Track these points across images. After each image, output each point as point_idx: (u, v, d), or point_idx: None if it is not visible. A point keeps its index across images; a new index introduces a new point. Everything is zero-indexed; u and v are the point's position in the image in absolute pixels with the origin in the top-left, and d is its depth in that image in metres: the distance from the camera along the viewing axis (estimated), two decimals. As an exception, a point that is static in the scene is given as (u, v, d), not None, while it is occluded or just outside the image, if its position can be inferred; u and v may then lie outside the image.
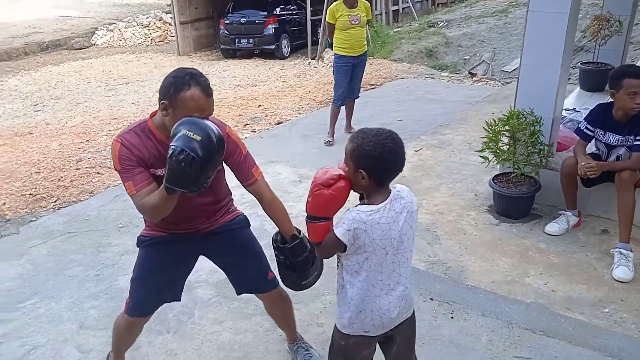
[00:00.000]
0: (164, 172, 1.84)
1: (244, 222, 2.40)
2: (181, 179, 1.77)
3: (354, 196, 1.81)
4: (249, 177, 2.18)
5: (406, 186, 1.86)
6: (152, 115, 2.06)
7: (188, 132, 1.74)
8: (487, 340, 2.73)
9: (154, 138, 2.02)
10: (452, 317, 2.91)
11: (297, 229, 2.24)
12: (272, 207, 2.23)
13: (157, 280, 2.26)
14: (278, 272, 2.27)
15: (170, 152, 1.73)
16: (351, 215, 1.71)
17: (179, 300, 2.41)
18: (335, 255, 1.84)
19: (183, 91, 1.88)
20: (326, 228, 1.76)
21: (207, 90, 1.92)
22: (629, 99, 3.20)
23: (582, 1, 8.87)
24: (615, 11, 5.69)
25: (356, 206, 1.76)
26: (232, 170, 2.20)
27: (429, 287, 3.16)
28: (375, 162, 1.69)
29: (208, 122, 1.81)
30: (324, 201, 1.72)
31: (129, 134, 2.01)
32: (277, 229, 2.23)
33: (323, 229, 1.76)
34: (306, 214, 1.78)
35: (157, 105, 1.98)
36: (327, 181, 1.71)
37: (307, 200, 1.76)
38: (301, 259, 2.20)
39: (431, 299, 3.06)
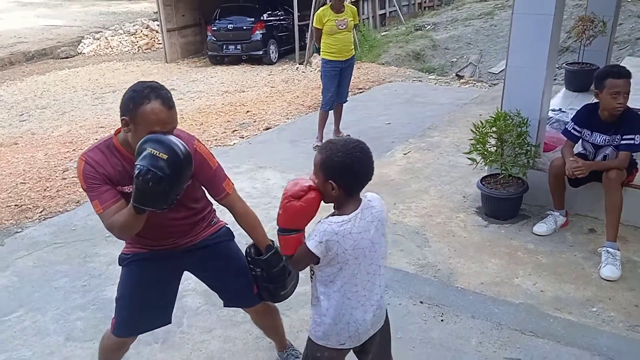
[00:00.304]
0: (131, 188, 1.80)
1: (227, 234, 2.34)
2: (149, 198, 1.75)
3: (325, 207, 1.79)
4: (220, 191, 2.14)
5: (377, 194, 1.86)
6: (117, 132, 1.99)
7: (153, 150, 1.71)
8: (477, 342, 2.72)
9: (119, 155, 1.96)
10: (442, 320, 2.90)
11: (271, 240, 2.21)
12: (245, 218, 2.20)
13: (140, 298, 2.20)
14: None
15: (136, 171, 1.70)
16: (322, 227, 1.70)
17: (170, 322, 2.34)
18: (309, 267, 1.83)
19: (143, 105, 1.81)
20: (298, 240, 1.75)
21: (168, 103, 1.86)
22: (611, 99, 3.23)
23: (567, 2, 8.96)
24: (599, 12, 5.74)
25: (327, 217, 1.75)
26: (202, 185, 2.15)
27: (418, 290, 3.15)
28: (344, 173, 1.68)
29: (173, 138, 1.78)
30: (294, 213, 1.71)
31: (94, 151, 1.95)
32: (250, 242, 2.21)
33: (294, 241, 1.75)
34: (277, 227, 1.77)
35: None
36: (297, 193, 1.70)
37: (278, 213, 1.75)
38: (277, 269, 2.18)
39: (421, 302, 3.05)
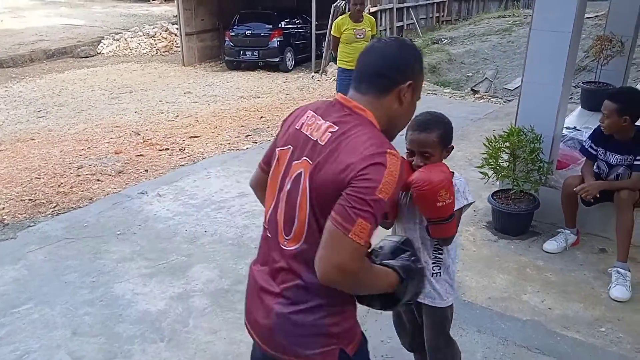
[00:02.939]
0: None
1: None
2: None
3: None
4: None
5: None
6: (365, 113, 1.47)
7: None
8: (482, 356, 2.70)
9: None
10: (447, 333, 2.89)
11: None
12: None
13: None
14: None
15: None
16: (459, 180, 1.96)
17: None
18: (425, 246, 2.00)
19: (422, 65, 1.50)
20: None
21: None
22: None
23: (585, 21, 8.92)
24: (618, 32, 5.72)
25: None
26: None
27: (425, 302, 3.14)
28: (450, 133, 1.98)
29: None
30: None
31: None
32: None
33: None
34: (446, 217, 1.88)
35: (379, 91, 1.48)
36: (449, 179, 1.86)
37: (440, 207, 1.82)
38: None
39: (427, 314, 3.04)
